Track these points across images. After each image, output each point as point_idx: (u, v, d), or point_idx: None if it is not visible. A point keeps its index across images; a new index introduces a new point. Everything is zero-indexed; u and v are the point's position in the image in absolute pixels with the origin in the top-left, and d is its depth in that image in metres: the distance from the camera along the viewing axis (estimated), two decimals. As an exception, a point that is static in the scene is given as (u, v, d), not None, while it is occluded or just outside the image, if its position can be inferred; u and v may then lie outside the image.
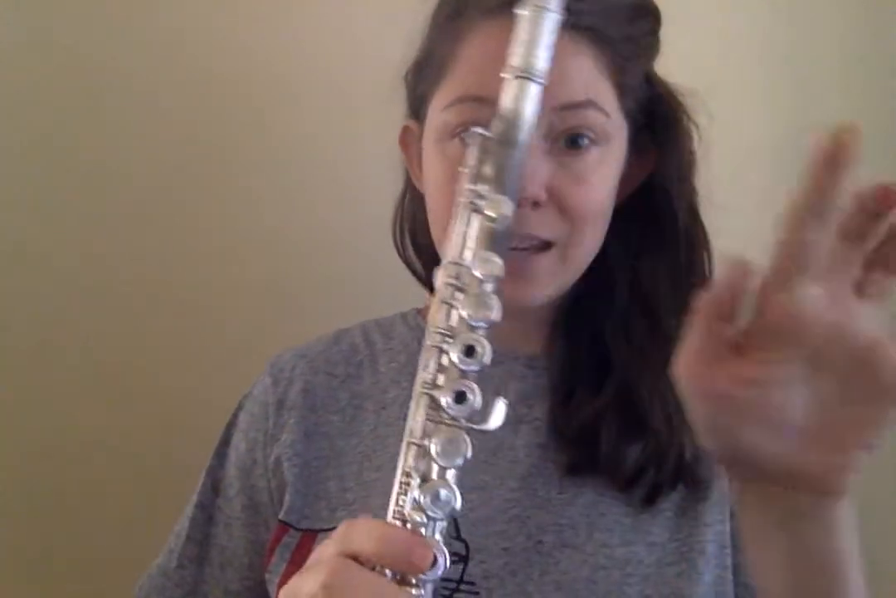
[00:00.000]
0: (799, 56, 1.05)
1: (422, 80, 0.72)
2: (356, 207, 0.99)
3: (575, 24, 0.63)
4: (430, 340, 0.46)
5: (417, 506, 0.45)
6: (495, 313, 0.45)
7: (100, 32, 1.00)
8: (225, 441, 0.77)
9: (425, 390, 0.45)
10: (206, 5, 1.02)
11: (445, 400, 0.44)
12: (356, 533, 0.46)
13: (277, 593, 0.68)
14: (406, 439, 0.46)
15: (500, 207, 0.45)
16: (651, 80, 0.71)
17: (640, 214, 0.72)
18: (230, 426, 0.78)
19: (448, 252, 0.47)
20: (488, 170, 0.46)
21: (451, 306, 0.45)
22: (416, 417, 0.45)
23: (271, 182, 1.03)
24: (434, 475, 0.45)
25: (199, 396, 0.85)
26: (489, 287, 0.45)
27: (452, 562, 0.65)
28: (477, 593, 0.64)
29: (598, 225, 0.68)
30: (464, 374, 0.45)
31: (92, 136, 1.00)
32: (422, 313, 0.80)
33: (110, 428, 0.98)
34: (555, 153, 0.65)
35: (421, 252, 0.80)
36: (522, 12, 0.48)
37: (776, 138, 1.04)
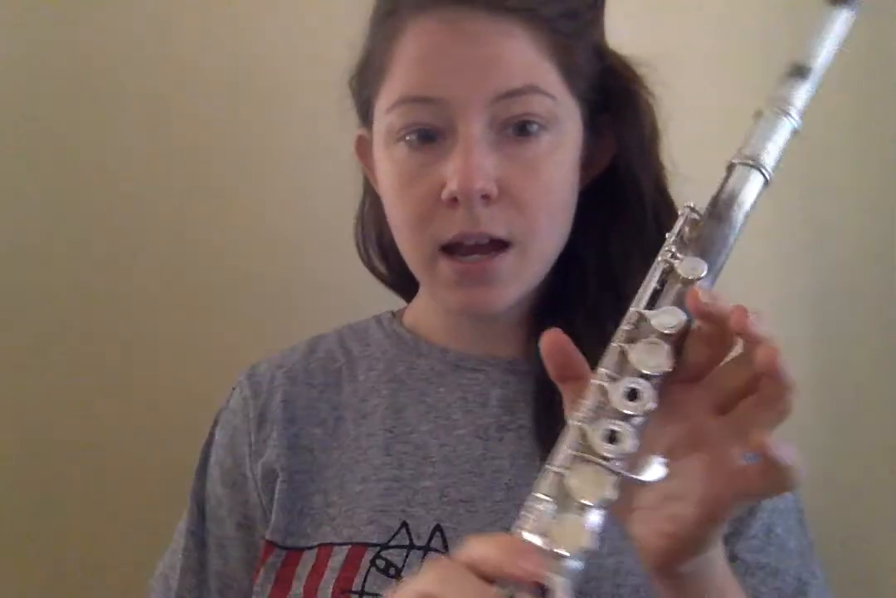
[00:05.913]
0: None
1: (364, 84, 0.68)
2: (353, 207, 0.99)
3: (506, 6, 0.60)
4: (595, 379, 0.46)
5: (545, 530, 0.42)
6: (666, 364, 0.45)
7: (98, 33, 1.01)
8: (204, 461, 0.73)
9: (577, 423, 0.45)
10: (205, 5, 1.04)
11: (597, 435, 0.44)
12: (477, 544, 0.42)
13: None
14: (547, 465, 0.44)
15: (694, 270, 0.47)
16: (602, 55, 0.68)
17: (606, 195, 0.69)
18: (207, 446, 0.73)
19: (632, 303, 0.48)
20: (690, 237, 0.48)
21: (622, 351, 0.46)
22: (561, 446, 0.44)
23: (270, 183, 1.04)
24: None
25: (199, 394, 0.82)
26: (666, 341, 0.46)
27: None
28: None
29: (558, 217, 0.66)
30: (622, 416, 0.45)
31: (89, 136, 1.01)
32: (398, 315, 0.77)
33: (109, 426, 0.98)
34: (503, 144, 0.62)
35: (387, 255, 0.77)
36: (767, 112, 0.50)
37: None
